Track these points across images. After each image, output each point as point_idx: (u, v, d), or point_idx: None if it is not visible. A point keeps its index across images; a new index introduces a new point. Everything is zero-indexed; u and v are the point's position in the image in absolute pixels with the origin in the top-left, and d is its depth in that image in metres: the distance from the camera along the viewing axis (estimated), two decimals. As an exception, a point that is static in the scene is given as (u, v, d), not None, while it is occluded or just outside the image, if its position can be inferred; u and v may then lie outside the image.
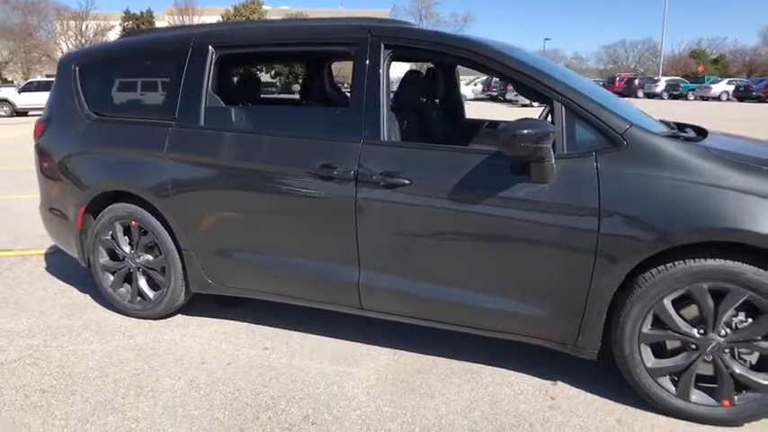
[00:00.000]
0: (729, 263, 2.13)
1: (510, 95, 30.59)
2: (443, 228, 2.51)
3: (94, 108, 3.33)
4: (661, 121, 3.04)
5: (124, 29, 45.01)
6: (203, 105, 2.99)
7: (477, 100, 36.94)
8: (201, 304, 3.44)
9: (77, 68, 3.42)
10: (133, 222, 3.21)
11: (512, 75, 2.50)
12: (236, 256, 2.98)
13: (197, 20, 48.66)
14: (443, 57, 2.69)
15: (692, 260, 2.18)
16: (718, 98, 34.95)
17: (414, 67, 3.30)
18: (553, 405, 2.46)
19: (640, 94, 39.11)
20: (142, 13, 50.99)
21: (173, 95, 3.08)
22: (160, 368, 2.79)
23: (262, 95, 3.93)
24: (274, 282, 2.96)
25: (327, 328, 3.15)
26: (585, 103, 2.36)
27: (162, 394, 2.56)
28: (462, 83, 30.54)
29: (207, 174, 2.93)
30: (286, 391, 2.57)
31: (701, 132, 2.86)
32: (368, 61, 2.66)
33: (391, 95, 2.87)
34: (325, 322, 3.17)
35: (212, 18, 52.79)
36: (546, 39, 77.81)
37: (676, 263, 2.20)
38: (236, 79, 3.37)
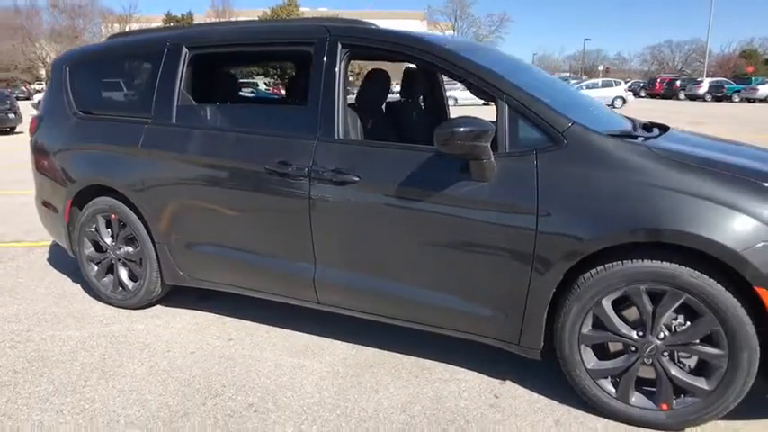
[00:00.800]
0: (666, 264, 2.10)
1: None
2: (390, 225, 2.54)
3: (81, 106, 3.50)
4: (628, 119, 3.02)
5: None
6: (176, 104, 3.10)
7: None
8: (181, 296, 3.56)
9: (68, 69, 3.60)
10: (113, 216, 3.35)
11: (460, 73, 2.51)
12: (202, 250, 3.09)
13: (234, 22, 49.77)
14: (396, 55, 2.73)
15: (629, 261, 2.16)
16: (764, 100, 33.53)
17: (377, 67, 3.32)
18: (494, 403, 2.46)
19: (682, 95, 37.93)
20: (183, 15, 52.36)
21: (150, 94, 3.20)
22: (127, 354, 2.92)
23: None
24: (238, 275, 3.05)
25: (295, 323, 3.22)
26: (528, 101, 2.36)
27: (122, 378, 2.68)
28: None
29: (175, 169, 3.04)
30: (237, 381, 2.65)
31: (664, 131, 2.80)
32: (325, 60, 2.72)
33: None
34: (296, 317, 3.23)
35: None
36: (586, 39, 75.93)
37: (614, 263, 2.18)
38: (211, 78, 3.48)
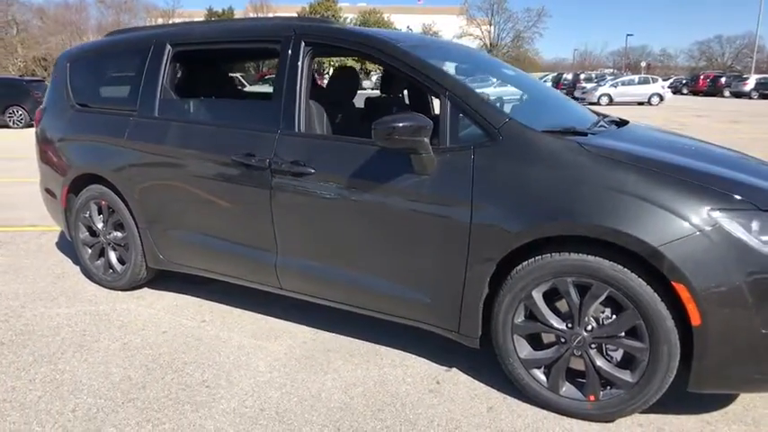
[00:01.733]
0: (590, 258, 2.15)
1: (577, 93, 29.60)
2: (341, 216, 2.66)
3: (79, 99, 3.74)
4: (597, 114, 3.10)
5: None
6: (158, 98, 3.29)
7: (545, 97, 35.93)
8: (168, 280, 3.75)
9: (68, 64, 3.84)
10: (103, 202, 3.57)
11: (407, 70, 2.60)
12: (179, 236, 3.27)
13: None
14: (353, 52, 2.84)
15: (557, 254, 2.22)
16: (814, 99, 32.07)
17: (344, 65, 3.44)
18: (434, 389, 2.55)
19: (727, 93, 36.63)
20: (224, 10, 53.44)
21: (137, 89, 3.40)
22: (105, 331, 3.12)
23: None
24: (210, 261, 3.22)
25: (267, 307, 3.37)
26: (468, 97, 2.43)
27: (95, 353, 2.88)
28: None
29: (154, 160, 3.23)
30: (198, 358, 2.82)
31: (622, 126, 2.85)
32: (289, 57, 2.85)
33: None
34: (270, 302, 3.37)
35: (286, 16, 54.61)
36: (628, 34, 73.76)
37: (543, 256, 2.24)
38: (194, 73, 3.66)
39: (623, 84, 27.81)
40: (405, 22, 68.13)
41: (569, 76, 35.50)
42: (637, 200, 2.08)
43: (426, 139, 2.35)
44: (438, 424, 2.30)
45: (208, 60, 3.79)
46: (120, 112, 3.47)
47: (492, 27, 60.48)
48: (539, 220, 2.20)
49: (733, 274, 1.99)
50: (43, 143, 3.92)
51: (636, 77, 29.36)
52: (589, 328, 2.24)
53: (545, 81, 38.10)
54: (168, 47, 3.32)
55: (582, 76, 33.39)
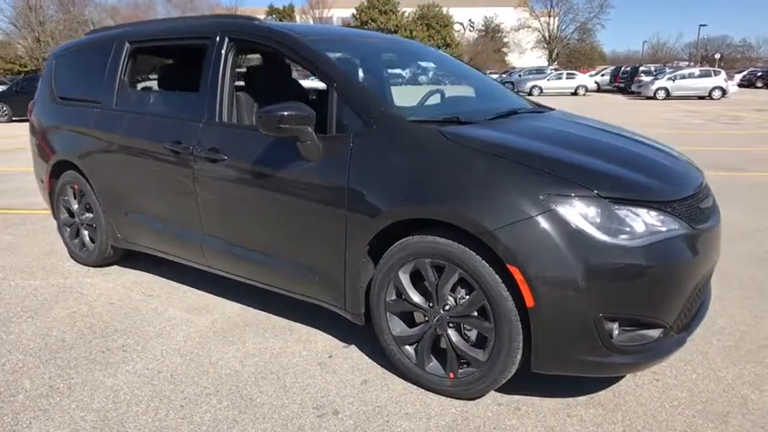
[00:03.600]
0: (441, 240, 2.26)
1: (634, 87, 28.45)
2: (246, 198, 2.87)
3: (60, 93, 4.13)
4: (532, 104, 3.28)
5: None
6: (116, 90, 3.61)
7: (601, 91, 34.84)
8: (141, 260, 4.07)
9: (54, 60, 4.25)
10: (76, 186, 3.95)
11: (304, 63, 2.78)
12: (131, 217, 3.59)
13: (326, 13, 51.42)
14: (264, 47, 3.04)
15: (417, 237, 2.34)
16: None
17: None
18: (323, 362, 2.72)
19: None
20: (284, 7, 54.75)
21: (101, 82, 3.74)
22: (62, 301, 3.49)
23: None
24: (154, 240, 3.52)
25: (212, 286, 3.63)
26: (351, 88, 2.59)
27: (45, 319, 3.24)
28: (587, 74, 29.80)
29: (110, 147, 3.56)
30: (129, 327, 3.12)
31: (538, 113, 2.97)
32: (214, 52, 3.08)
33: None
34: (217, 281, 3.53)
35: (344, 11, 55.29)
36: (701, 25, 69.69)
37: (407, 238, 2.37)
38: (150, 67, 3.99)
39: (682, 77, 26.47)
40: (464, 15, 67.49)
41: (628, 69, 34.14)
42: (480, 185, 2.18)
43: (310, 128, 2.52)
44: (308, 392, 2.47)
45: (160, 56, 4.10)
46: (89, 103, 3.83)
47: (551, 18, 58.87)
48: (395, 203, 2.33)
49: (567, 259, 2.05)
50: (33, 132, 4.36)
51: (696, 70, 27.85)
52: (447, 307, 2.34)
53: (602, 75, 36.85)
54: (126, 44, 3.64)
55: (641, 69, 32.03)
